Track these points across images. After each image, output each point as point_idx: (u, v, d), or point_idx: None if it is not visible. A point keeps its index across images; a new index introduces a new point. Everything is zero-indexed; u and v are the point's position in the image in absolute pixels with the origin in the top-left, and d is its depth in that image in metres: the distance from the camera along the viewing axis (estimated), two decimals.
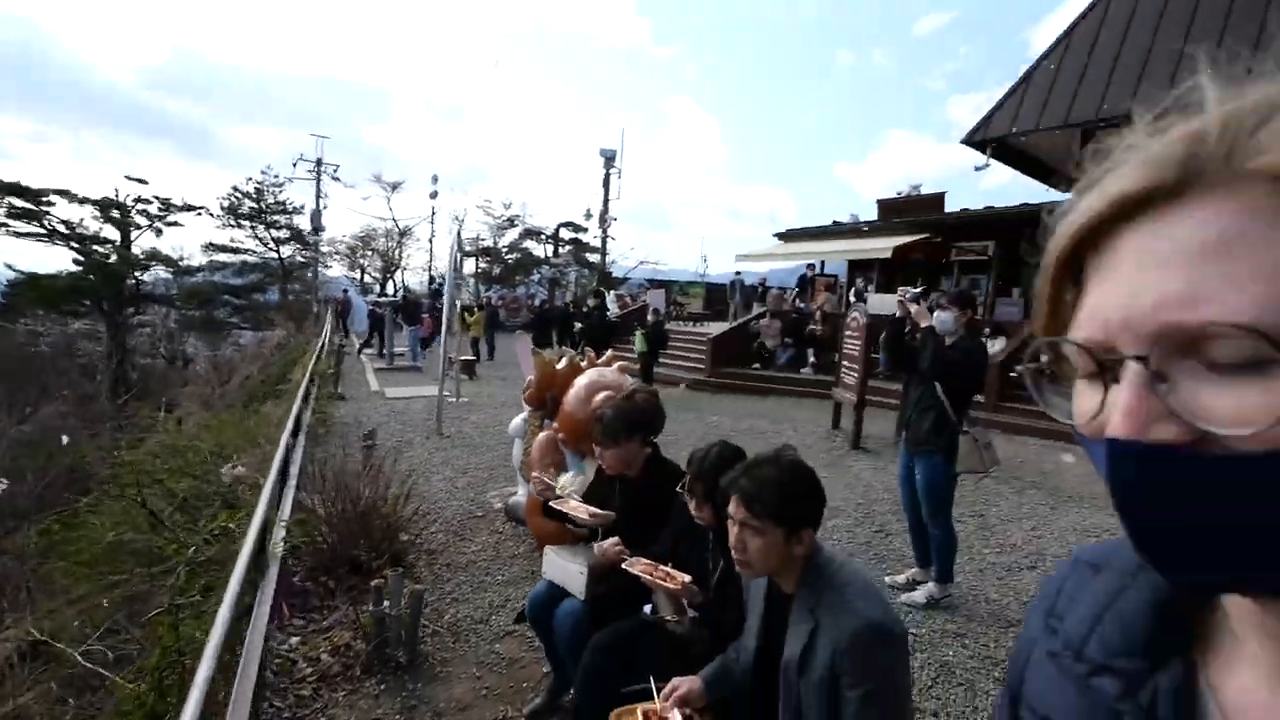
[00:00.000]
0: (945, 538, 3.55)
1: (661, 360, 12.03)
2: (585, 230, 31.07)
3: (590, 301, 13.05)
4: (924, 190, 17.83)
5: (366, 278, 31.57)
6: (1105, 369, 0.32)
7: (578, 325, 12.54)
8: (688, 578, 1.83)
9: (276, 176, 27.69)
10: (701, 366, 13.03)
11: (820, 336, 12.81)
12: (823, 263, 18.71)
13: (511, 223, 31.67)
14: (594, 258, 28.79)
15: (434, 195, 22.51)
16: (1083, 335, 0.33)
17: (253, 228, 27.83)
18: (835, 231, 18.56)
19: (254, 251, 28.23)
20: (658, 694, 1.57)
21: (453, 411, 8.63)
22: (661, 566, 1.91)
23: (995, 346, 9.38)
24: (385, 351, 14.08)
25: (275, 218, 28.17)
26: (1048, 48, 11.57)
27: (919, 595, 3.58)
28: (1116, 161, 0.33)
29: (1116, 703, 0.38)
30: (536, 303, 24.94)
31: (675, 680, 1.58)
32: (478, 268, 31.36)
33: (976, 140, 12.19)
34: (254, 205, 27.48)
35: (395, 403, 9.41)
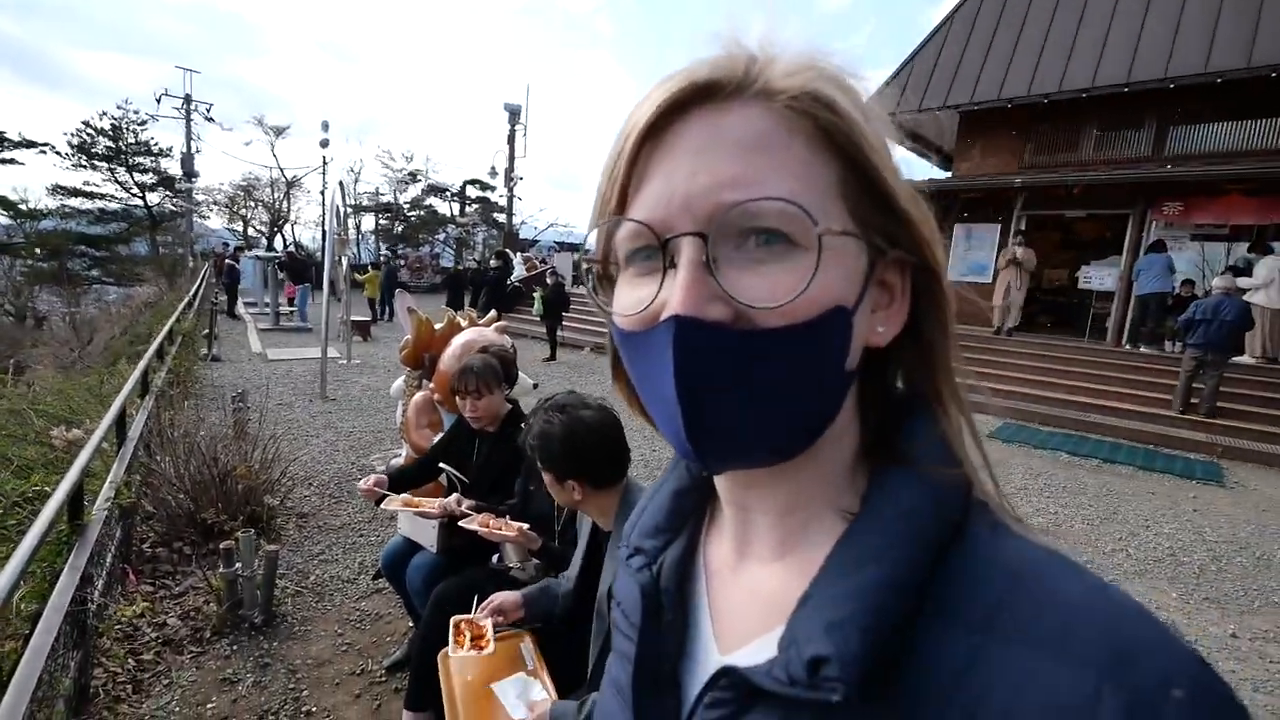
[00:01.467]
0: None
1: (566, 324, 12.01)
2: (493, 189, 30.01)
3: (493, 263, 12.73)
4: None
5: (250, 231, 28.94)
6: (665, 251, 0.33)
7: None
8: (524, 525, 1.93)
9: (137, 112, 24.47)
10: (606, 331, 13.12)
11: None
12: None
13: (414, 178, 29.99)
14: (502, 218, 27.95)
15: (324, 144, 20.81)
16: (643, 215, 0.34)
17: (111, 170, 24.50)
18: None
19: (114, 197, 24.95)
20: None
21: (341, 374, 8.27)
22: (496, 519, 2.00)
23: None
24: (237, 311, 13.12)
25: (138, 160, 24.92)
26: (929, 33, 12.22)
27: None
28: (682, 66, 0.36)
29: (638, 573, 0.46)
30: (441, 263, 24.01)
31: (495, 594, 1.73)
32: (377, 224, 29.60)
33: None
34: (111, 144, 24.16)
35: (278, 365, 8.88)
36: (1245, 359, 8.14)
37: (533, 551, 1.97)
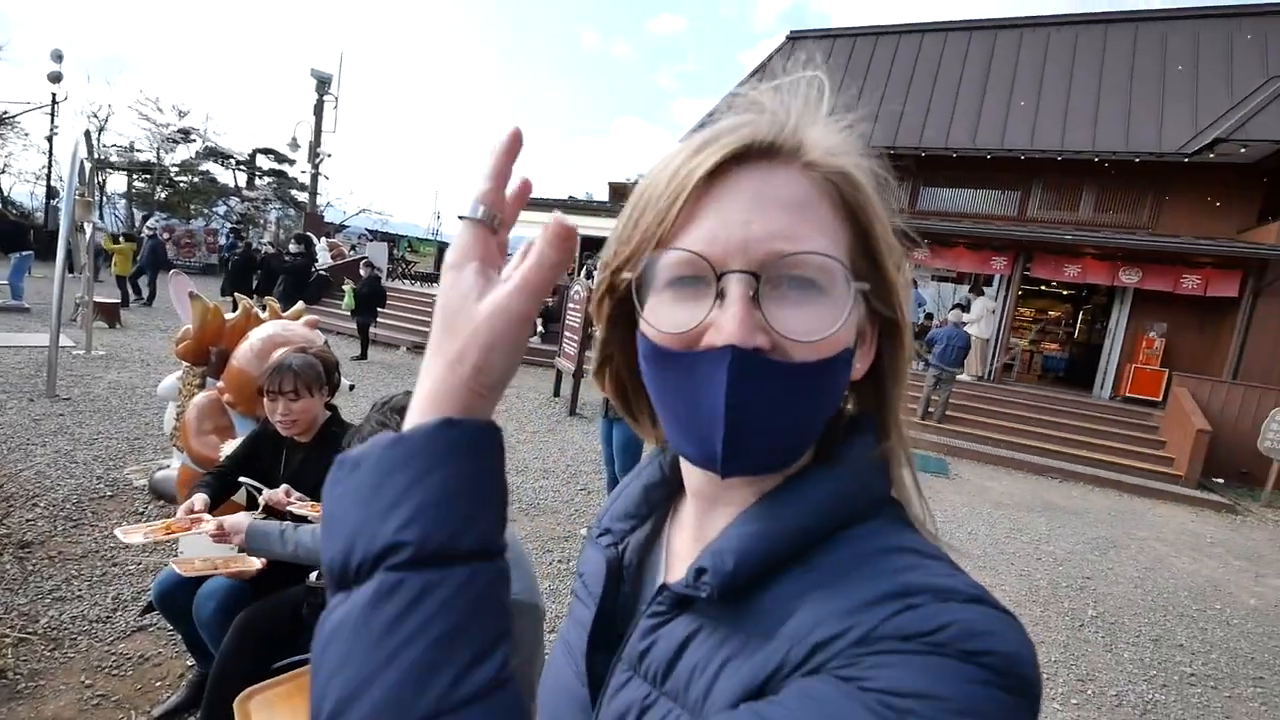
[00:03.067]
0: None
1: (380, 321, 11.08)
2: (292, 163, 26.55)
3: (293, 248, 11.26)
4: None
5: None
6: (719, 278, 0.38)
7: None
8: None
9: None
10: (426, 330, 12.38)
11: (550, 307, 13.21)
12: None
13: (186, 136, 25.37)
14: (302, 196, 24.83)
15: (56, 78, 16.70)
16: (702, 249, 0.39)
17: None
18: (570, 205, 19.18)
19: None
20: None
21: (79, 367, 6.73)
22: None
23: None
24: None
25: None
26: (749, 73, 13.56)
27: None
28: (734, 124, 0.41)
29: (605, 550, 0.53)
30: (220, 241, 20.64)
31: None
32: (130, 186, 24.50)
33: None
34: None
35: None
36: (965, 377, 10.25)
37: None
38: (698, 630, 0.42)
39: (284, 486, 1.89)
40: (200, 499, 1.96)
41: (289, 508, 1.83)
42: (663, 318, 0.40)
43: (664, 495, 0.55)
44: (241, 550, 1.72)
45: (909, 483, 0.47)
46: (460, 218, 0.38)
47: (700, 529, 0.48)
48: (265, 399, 2.05)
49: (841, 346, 0.40)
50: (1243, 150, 10.08)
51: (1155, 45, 12.34)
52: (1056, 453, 8.88)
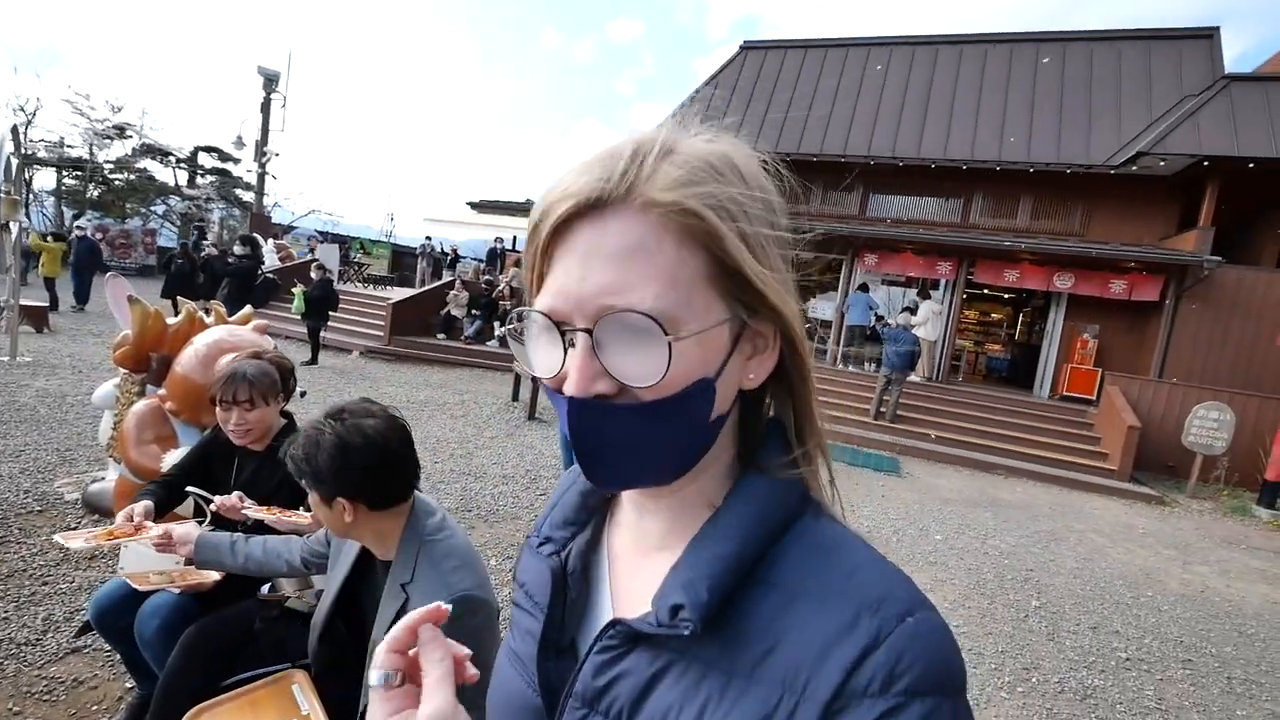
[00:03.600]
0: None
1: (331, 325, 10.74)
2: (237, 162, 25.49)
3: (237, 249, 10.80)
4: None
5: None
6: (564, 334, 0.42)
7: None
8: (312, 517, 1.71)
9: None
10: (379, 334, 12.08)
11: (508, 310, 13.07)
12: (515, 237, 19.03)
13: (121, 132, 24.10)
14: (248, 196, 23.89)
15: None
16: (547, 306, 0.42)
17: None
18: (528, 209, 18.95)
19: None
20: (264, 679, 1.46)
21: (2, 375, 6.31)
22: (284, 509, 1.77)
23: None
24: None
25: None
26: (704, 81, 13.77)
27: None
28: (577, 174, 0.43)
29: (548, 558, 0.54)
30: (159, 242, 19.68)
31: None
32: (60, 184, 23.13)
33: None
34: None
35: None
36: (914, 378, 10.61)
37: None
38: (666, 668, 0.44)
39: (236, 493, 1.81)
40: (142, 506, 1.86)
41: (245, 512, 1.76)
42: (537, 361, 0.45)
43: (600, 500, 0.57)
44: (189, 563, 1.64)
45: (825, 478, 0.50)
46: (370, 688, 0.43)
47: (639, 529, 0.52)
48: (218, 408, 1.97)
49: (684, 383, 0.41)
50: (1162, 163, 10.79)
51: (1082, 63, 13.10)
52: (1001, 450, 9.28)
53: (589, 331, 0.41)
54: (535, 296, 0.45)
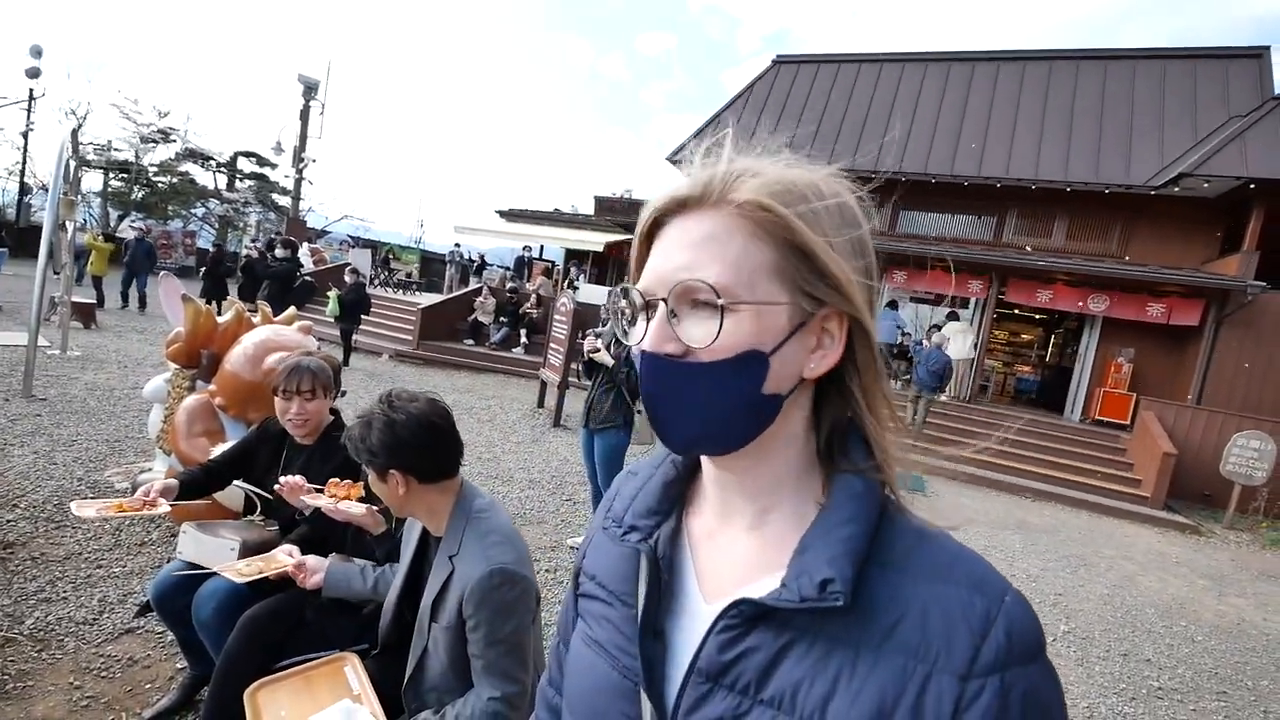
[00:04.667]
0: None
1: (364, 329, 11.00)
2: (274, 166, 26.23)
3: (278, 252, 11.13)
4: (636, 195, 19.70)
5: None
6: (649, 307, 0.50)
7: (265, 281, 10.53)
8: (371, 505, 1.80)
9: None
10: (409, 338, 12.32)
11: (534, 319, 13.22)
12: (542, 246, 19.27)
13: (166, 137, 24.97)
14: (285, 201, 24.55)
15: (34, 73, 16.40)
16: (641, 285, 0.51)
17: None
18: (556, 218, 19.27)
19: None
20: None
21: (54, 368, 6.59)
22: (337, 487, 1.86)
23: None
24: None
25: None
26: (735, 95, 13.84)
27: None
28: (677, 183, 0.51)
29: (636, 545, 0.57)
30: (199, 243, 20.31)
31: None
32: (106, 185, 24.00)
33: (677, 160, 13.98)
34: None
35: None
36: (942, 397, 10.48)
37: (376, 538, 1.83)
38: (791, 643, 0.48)
39: (299, 477, 1.90)
40: (161, 483, 1.98)
41: (303, 499, 1.85)
42: (633, 331, 0.53)
43: (680, 490, 0.61)
44: (316, 590, 1.76)
45: (894, 467, 0.53)
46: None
47: (723, 517, 0.56)
48: (279, 398, 2.07)
49: (735, 350, 0.47)
50: (1205, 185, 10.56)
51: (1124, 82, 12.89)
52: (1030, 473, 9.11)
53: (665, 300, 0.49)
54: (635, 276, 0.55)
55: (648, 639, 0.54)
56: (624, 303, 0.54)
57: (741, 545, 0.54)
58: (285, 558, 1.80)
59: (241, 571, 1.75)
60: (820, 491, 0.53)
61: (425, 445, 1.44)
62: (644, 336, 0.50)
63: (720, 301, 0.47)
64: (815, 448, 0.54)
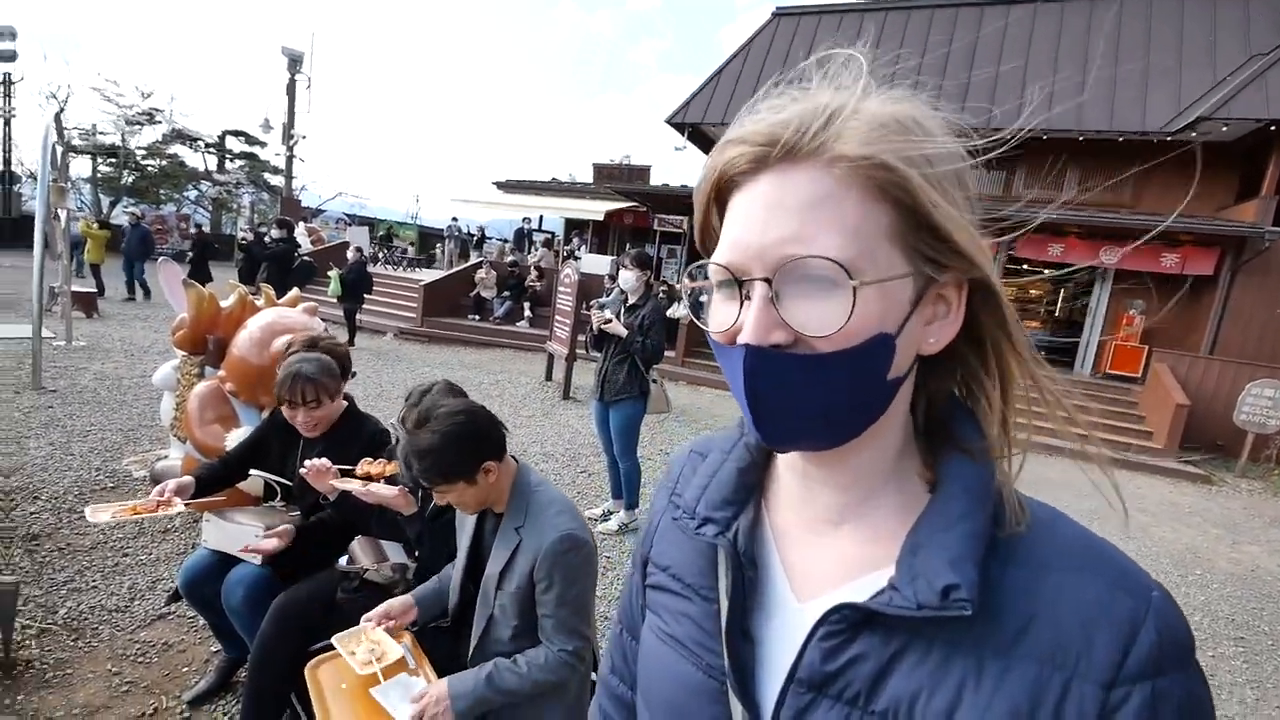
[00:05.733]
0: (633, 471, 4.10)
1: (367, 307, 10.94)
2: (264, 145, 25.78)
3: (274, 233, 10.99)
4: (634, 161, 19.26)
5: None
6: (741, 286, 0.42)
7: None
8: (404, 486, 1.79)
9: None
10: (412, 315, 12.27)
11: (538, 291, 13.13)
12: (541, 217, 19.03)
13: (151, 118, 24.49)
14: (277, 180, 24.20)
15: (10, 56, 15.99)
16: (725, 260, 0.43)
17: None
18: (554, 188, 18.97)
19: None
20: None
21: (61, 359, 6.59)
22: (370, 466, 1.84)
23: (679, 310, 10.84)
24: None
25: None
26: (734, 51, 13.44)
27: (612, 524, 4.08)
28: (751, 122, 0.43)
29: (714, 538, 0.52)
30: (193, 227, 20.11)
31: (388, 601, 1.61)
32: (95, 171, 23.64)
33: (676, 122, 13.67)
34: None
35: None
36: None
37: (408, 519, 1.81)
38: (903, 650, 0.43)
39: (323, 460, 1.87)
40: (175, 482, 1.98)
41: (333, 483, 1.83)
42: (712, 317, 0.45)
43: (756, 478, 0.55)
44: (345, 573, 1.82)
45: (1003, 443, 0.49)
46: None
47: (810, 503, 0.51)
48: (284, 408, 2.02)
49: (863, 336, 0.40)
50: (1224, 128, 10.25)
51: (1140, 22, 12.43)
52: (1041, 428, 9.09)
53: (768, 281, 0.41)
54: (701, 243, 0.47)
55: (735, 638, 0.49)
56: (699, 283, 0.46)
57: (835, 539, 0.49)
58: (397, 646, 1.54)
59: (363, 664, 1.48)
60: (923, 473, 0.48)
61: (485, 426, 1.48)
62: (741, 325, 0.42)
63: (852, 282, 0.39)
64: (915, 425, 0.49)
